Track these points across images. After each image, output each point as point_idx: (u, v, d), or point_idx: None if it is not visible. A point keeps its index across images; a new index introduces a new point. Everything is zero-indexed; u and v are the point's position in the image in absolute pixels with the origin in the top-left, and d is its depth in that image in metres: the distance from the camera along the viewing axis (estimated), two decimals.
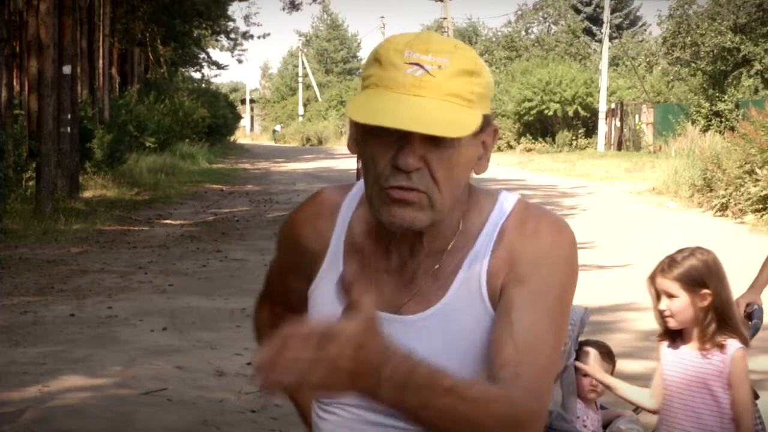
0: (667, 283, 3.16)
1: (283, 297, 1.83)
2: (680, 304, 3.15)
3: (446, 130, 1.46)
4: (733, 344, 3.14)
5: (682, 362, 3.20)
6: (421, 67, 1.49)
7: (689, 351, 3.19)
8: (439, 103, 1.48)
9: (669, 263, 3.19)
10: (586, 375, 3.38)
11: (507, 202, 1.61)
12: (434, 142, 1.49)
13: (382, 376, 1.27)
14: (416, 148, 1.49)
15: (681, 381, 3.20)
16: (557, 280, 1.54)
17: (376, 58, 1.53)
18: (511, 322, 1.50)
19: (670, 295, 3.16)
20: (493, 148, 1.60)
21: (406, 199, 1.50)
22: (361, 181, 1.63)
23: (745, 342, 3.19)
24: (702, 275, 3.14)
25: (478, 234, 1.58)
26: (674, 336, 3.24)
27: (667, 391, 3.23)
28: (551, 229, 1.56)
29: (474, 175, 1.59)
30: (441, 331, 1.55)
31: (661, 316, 3.20)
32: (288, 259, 1.76)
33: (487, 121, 1.55)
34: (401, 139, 1.48)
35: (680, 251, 3.23)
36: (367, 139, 1.53)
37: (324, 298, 1.66)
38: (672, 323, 3.17)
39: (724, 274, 3.20)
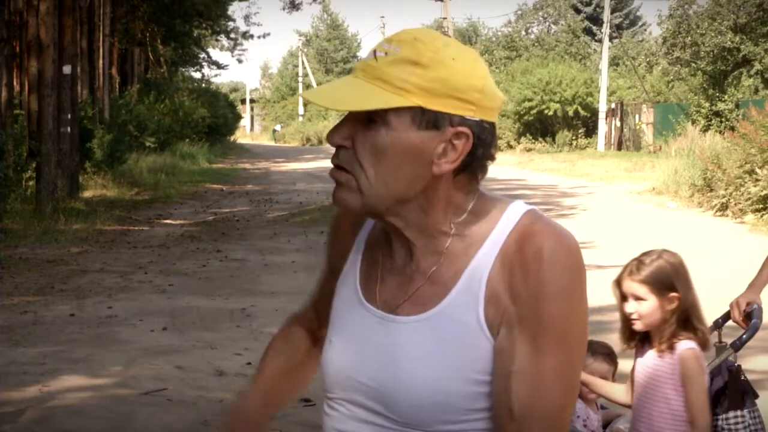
0: (635, 286, 3.15)
1: (317, 306, 1.85)
2: (648, 307, 3.14)
3: (335, 104, 1.51)
4: (684, 344, 3.13)
5: (644, 364, 3.21)
6: (374, 54, 1.54)
7: (650, 353, 3.20)
8: (363, 84, 1.52)
9: (637, 265, 3.18)
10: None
11: (515, 213, 1.56)
12: (362, 124, 1.52)
13: None
14: (345, 127, 1.54)
15: (641, 383, 3.21)
16: (562, 314, 1.48)
17: None
18: (510, 378, 1.48)
19: (638, 298, 3.15)
20: (464, 152, 1.53)
21: (334, 177, 1.56)
22: None
23: (703, 344, 3.17)
24: (671, 278, 3.12)
25: (481, 244, 1.55)
26: (643, 339, 3.24)
27: (635, 393, 3.24)
28: (553, 257, 1.49)
29: (435, 173, 1.53)
30: (432, 336, 1.54)
31: (627, 318, 3.19)
32: (330, 251, 1.80)
33: (448, 120, 1.51)
34: (341, 119, 1.56)
35: (647, 253, 3.22)
36: None
37: (343, 293, 1.68)
38: (638, 326, 3.16)
39: (690, 277, 3.20)
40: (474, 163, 1.55)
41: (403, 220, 1.56)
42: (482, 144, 1.54)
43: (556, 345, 1.48)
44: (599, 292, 10.13)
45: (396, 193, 1.53)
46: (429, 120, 1.51)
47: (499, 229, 1.55)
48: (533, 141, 39.92)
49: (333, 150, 1.59)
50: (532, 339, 1.47)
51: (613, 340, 7.12)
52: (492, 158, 1.58)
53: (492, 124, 1.56)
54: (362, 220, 1.70)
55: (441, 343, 1.53)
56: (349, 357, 1.61)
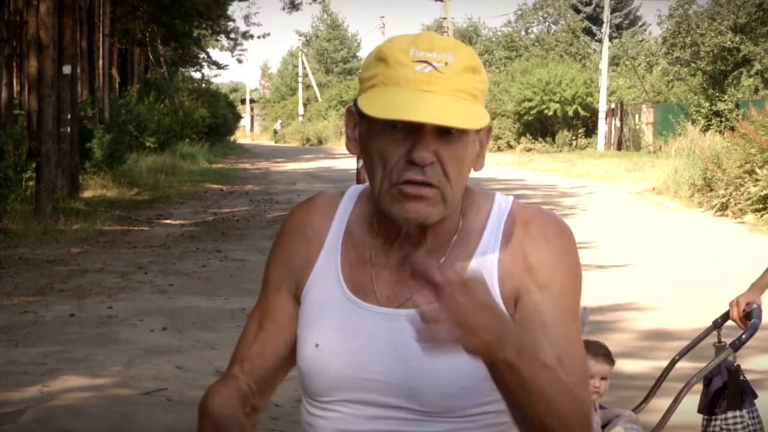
0: None
1: (254, 367, 1.73)
2: None
3: (464, 122, 1.51)
4: None
5: None
6: (429, 64, 1.52)
7: None
8: (449, 98, 1.52)
9: None
10: (590, 377, 3.38)
11: (503, 201, 1.66)
12: (445, 137, 1.53)
13: (509, 334, 1.39)
14: (430, 142, 1.52)
15: None
16: (574, 284, 1.62)
17: (380, 58, 1.56)
18: (547, 333, 1.56)
19: None
20: (489, 147, 1.64)
21: (421, 194, 1.53)
22: (357, 184, 1.70)
23: None
24: None
25: (482, 231, 1.62)
26: None
27: None
28: (558, 232, 1.63)
29: (474, 173, 1.63)
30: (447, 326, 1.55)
31: None
32: (284, 258, 1.73)
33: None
34: (413, 134, 1.52)
35: None
36: (378, 135, 1.55)
37: (322, 297, 1.66)
38: None
39: None
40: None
41: (441, 220, 1.60)
42: None
43: (573, 309, 1.61)
44: (599, 292, 10.13)
45: (461, 197, 1.61)
46: None
47: (494, 218, 1.64)
48: (533, 141, 39.91)
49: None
50: (556, 302, 1.58)
51: (613, 339, 7.11)
52: None
53: None
54: (327, 224, 1.69)
55: None
56: (352, 357, 1.61)
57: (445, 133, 1.52)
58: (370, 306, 1.62)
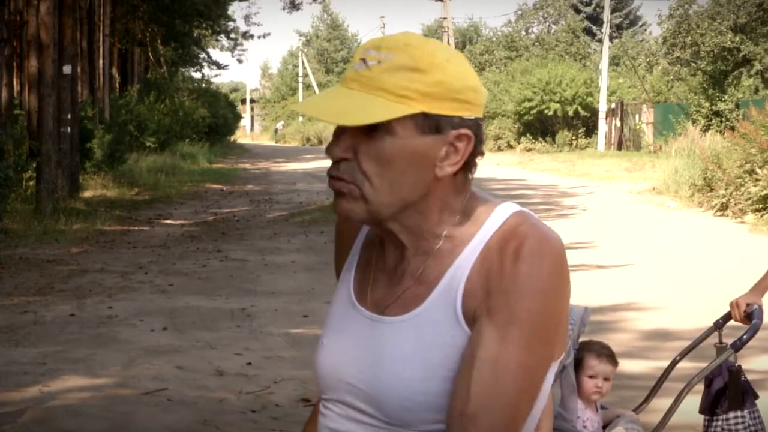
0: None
1: None
2: None
3: (338, 118, 1.49)
4: None
5: None
6: (365, 62, 1.52)
7: None
8: (361, 95, 1.50)
9: None
10: (592, 376, 3.37)
11: (501, 214, 1.56)
12: (363, 134, 1.51)
13: None
14: (345, 138, 1.52)
15: None
16: (535, 309, 1.47)
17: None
18: (472, 365, 1.47)
19: None
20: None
21: (335, 188, 1.55)
22: None
23: None
24: None
25: (466, 245, 1.56)
26: None
27: None
28: (532, 255, 1.48)
29: (438, 176, 1.55)
30: (412, 337, 1.54)
31: None
32: (338, 265, 1.77)
33: (450, 123, 1.52)
34: (338, 130, 1.54)
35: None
36: None
37: (338, 294, 1.69)
38: None
39: None
40: (470, 162, 1.57)
41: (400, 225, 1.56)
42: (479, 142, 1.56)
43: (524, 338, 1.47)
44: (599, 292, 10.13)
45: (400, 200, 1.54)
46: (432, 125, 1.51)
47: (485, 230, 1.55)
48: (533, 141, 39.91)
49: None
50: (499, 329, 1.47)
51: (614, 339, 7.10)
52: (482, 154, 1.58)
53: (482, 120, 1.59)
54: (360, 225, 1.71)
55: (422, 344, 1.53)
56: (340, 358, 1.62)
57: (364, 129, 1.50)
58: (361, 309, 1.62)
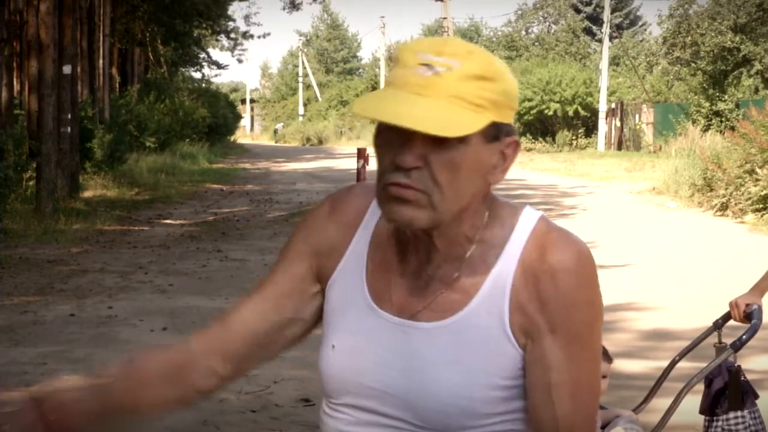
0: None
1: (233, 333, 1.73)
2: None
3: (433, 128, 1.45)
4: None
5: None
6: (431, 67, 1.49)
7: None
8: (440, 103, 1.47)
9: None
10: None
11: (529, 219, 1.59)
12: (436, 142, 1.48)
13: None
14: (416, 146, 1.48)
15: None
16: (589, 321, 1.55)
17: (395, 58, 1.55)
18: (550, 390, 1.53)
19: None
20: (514, 160, 1.59)
21: (403, 196, 1.49)
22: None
23: None
24: None
25: (501, 250, 1.56)
26: None
27: None
28: (576, 263, 1.54)
29: (490, 183, 1.57)
30: (454, 342, 1.55)
31: None
32: (315, 232, 1.70)
33: (504, 130, 1.55)
34: (404, 137, 1.48)
35: None
36: (377, 136, 1.54)
37: (344, 295, 1.65)
38: None
39: None
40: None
41: (441, 230, 1.55)
42: None
43: (586, 353, 1.55)
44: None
45: (461, 207, 1.54)
46: (494, 133, 1.54)
47: (517, 237, 1.57)
48: (533, 141, 39.93)
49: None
50: (566, 349, 1.53)
51: (613, 339, 7.11)
52: None
53: None
54: (360, 218, 1.66)
55: (465, 349, 1.54)
56: (360, 363, 1.60)
57: (437, 137, 1.47)
58: (384, 313, 1.60)
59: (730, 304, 3.62)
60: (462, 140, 1.49)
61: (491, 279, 1.55)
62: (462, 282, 1.56)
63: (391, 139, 1.50)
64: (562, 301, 1.52)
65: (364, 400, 1.59)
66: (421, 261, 1.59)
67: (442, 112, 1.47)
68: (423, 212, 1.50)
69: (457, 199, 1.52)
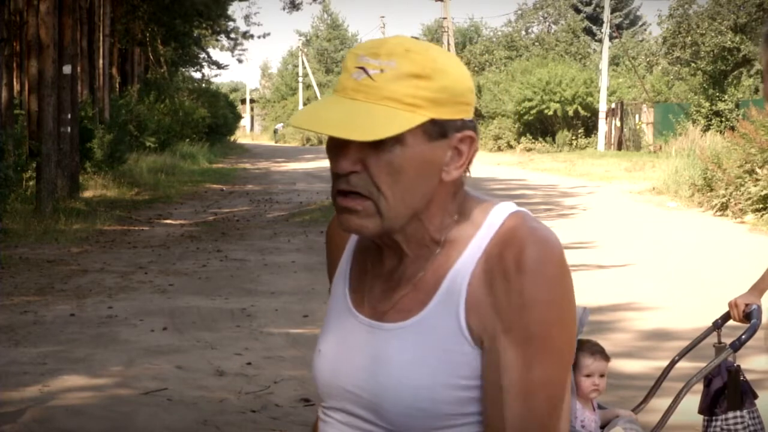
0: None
1: None
2: None
3: (355, 133, 1.43)
4: None
5: None
6: (365, 71, 1.48)
7: None
8: (369, 106, 1.46)
9: None
10: (588, 375, 3.38)
11: (498, 215, 1.54)
12: (371, 146, 1.46)
13: None
14: (352, 151, 1.47)
15: None
16: (548, 321, 1.46)
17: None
18: (500, 392, 1.47)
19: None
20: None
21: (349, 206, 1.49)
22: None
23: None
24: None
25: (463, 249, 1.53)
26: None
27: None
28: (535, 264, 1.46)
29: (445, 180, 1.53)
30: (415, 343, 1.53)
31: None
32: (330, 270, 1.74)
33: (452, 127, 1.51)
34: (340, 143, 1.48)
35: None
36: (327, 145, 1.53)
37: (332, 301, 1.67)
38: None
39: None
40: (468, 164, 1.55)
41: (404, 234, 1.54)
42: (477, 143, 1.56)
43: (543, 355, 1.47)
44: (599, 292, 10.12)
45: (412, 209, 1.51)
46: (438, 130, 1.49)
47: (482, 234, 1.53)
48: (533, 141, 39.93)
49: None
50: (519, 350, 1.46)
51: (613, 339, 7.12)
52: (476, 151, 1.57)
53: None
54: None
55: (424, 351, 1.52)
56: (338, 366, 1.60)
57: (376, 142, 1.44)
58: (359, 315, 1.60)
59: (730, 304, 3.62)
60: (397, 141, 1.46)
61: (449, 278, 1.52)
62: (425, 281, 1.55)
63: (332, 146, 1.50)
64: (516, 301, 1.46)
65: (345, 403, 1.59)
66: (393, 263, 1.58)
67: (369, 115, 1.45)
68: (370, 221, 1.49)
69: (405, 201, 1.49)
